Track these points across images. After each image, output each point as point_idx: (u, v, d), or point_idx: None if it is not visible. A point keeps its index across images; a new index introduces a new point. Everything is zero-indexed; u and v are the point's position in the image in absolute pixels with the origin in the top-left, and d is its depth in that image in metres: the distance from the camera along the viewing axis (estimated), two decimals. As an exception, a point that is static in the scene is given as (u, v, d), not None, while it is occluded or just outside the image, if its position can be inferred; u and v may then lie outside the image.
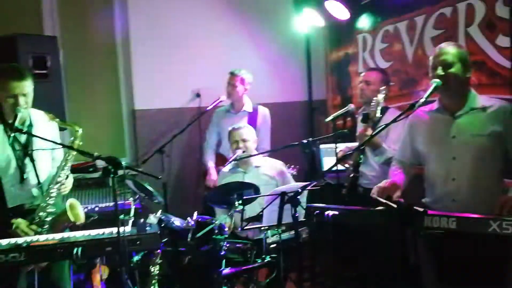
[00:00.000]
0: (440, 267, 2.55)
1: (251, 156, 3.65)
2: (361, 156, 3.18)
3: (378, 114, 3.05)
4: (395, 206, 2.24)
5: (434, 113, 2.65)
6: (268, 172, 3.72)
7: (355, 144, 3.31)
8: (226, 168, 3.84)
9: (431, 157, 2.65)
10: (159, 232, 2.71)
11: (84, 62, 4.84)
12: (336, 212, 2.41)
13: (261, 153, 3.69)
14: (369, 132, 3.05)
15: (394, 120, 2.63)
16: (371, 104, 3.10)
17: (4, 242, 2.62)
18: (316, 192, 3.90)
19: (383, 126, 2.62)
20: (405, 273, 2.32)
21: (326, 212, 2.40)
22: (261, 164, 3.75)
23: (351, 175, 3.26)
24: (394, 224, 2.25)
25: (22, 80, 2.79)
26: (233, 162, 3.67)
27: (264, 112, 4.58)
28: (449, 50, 2.53)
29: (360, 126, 3.31)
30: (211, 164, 4.62)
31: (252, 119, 4.44)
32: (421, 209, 2.23)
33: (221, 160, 4.56)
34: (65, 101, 4.34)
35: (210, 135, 4.72)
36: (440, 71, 2.50)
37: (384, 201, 2.33)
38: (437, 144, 2.61)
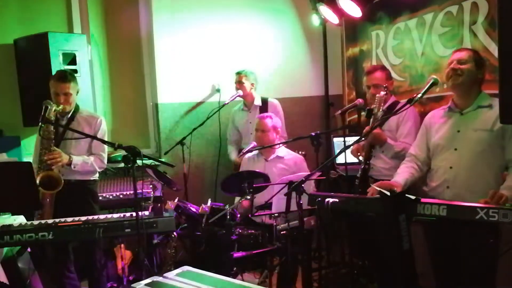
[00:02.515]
0: (433, 252, 2.70)
1: (264, 147, 3.84)
2: (372, 150, 3.33)
3: (381, 110, 3.18)
4: (388, 193, 2.39)
5: (447, 112, 2.83)
6: (289, 162, 3.91)
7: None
8: (249, 155, 4.07)
9: (437, 149, 2.82)
10: (174, 216, 2.94)
11: (111, 58, 5.02)
12: (336, 200, 2.59)
13: (273, 145, 3.86)
14: (376, 129, 3.18)
15: (392, 114, 2.80)
16: (375, 100, 3.22)
17: (35, 222, 2.90)
18: (331, 183, 4.07)
19: (381, 120, 2.78)
20: (399, 257, 2.47)
21: (326, 200, 2.57)
22: (283, 155, 3.95)
23: (362, 167, 3.40)
24: (388, 211, 2.42)
25: (64, 82, 3.41)
26: (257, 149, 3.91)
27: (274, 104, 4.79)
28: (466, 51, 2.73)
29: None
30: (234, 157, 4.86)
31: (263, 112, 4.59)
32: (413, 197, 2.38)
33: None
34: (93, 94, 4.63)
35: (230, 133, 4.99)
36: (454, 65, 2.67)
37: (379, 189, 2.48)
38: (445, 138, 2.78)
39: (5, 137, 4.39)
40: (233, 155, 4.91)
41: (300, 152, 4.19)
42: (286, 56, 5.40)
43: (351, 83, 5.17)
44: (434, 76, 2.77)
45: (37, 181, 3.13)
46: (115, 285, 4.05)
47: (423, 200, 2.41)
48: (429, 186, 2.85)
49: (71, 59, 4.26)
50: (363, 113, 4.94)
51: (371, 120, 3.16)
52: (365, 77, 3.54)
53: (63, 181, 3.29)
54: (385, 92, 3.19)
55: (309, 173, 3.87)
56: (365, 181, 3.11)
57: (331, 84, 5.24)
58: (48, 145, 3.30)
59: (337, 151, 4.51)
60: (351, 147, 3.12)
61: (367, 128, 3.16)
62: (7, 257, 3.04)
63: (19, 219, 3.04)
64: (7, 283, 2.97)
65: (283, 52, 5.39)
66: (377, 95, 3.22)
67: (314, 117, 5.43)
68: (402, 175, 2.90)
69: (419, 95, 2.68)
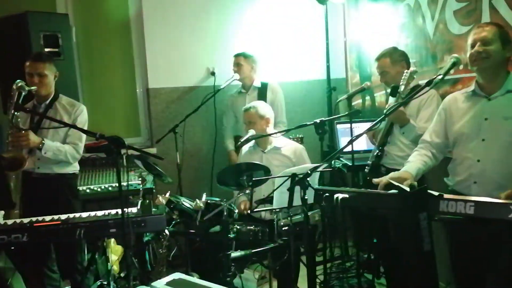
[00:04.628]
0: (455, 254, 2.43)
1: (262, 136, 3.54)
2: (389, 135, 3.07)
3: (407, 88, 2.90)
4: (408, 189, 2.10)
5: (470, 95, 2.54)
6: (288, 153, 3.62)
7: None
8: (246, 147, 3.78)
9: (461, 139, 2.53)
10: (165, 213, 2.67)
11: (97, 40, 4.78)
12: (346, 195, 2.30)
13: (272, 133, 3.56)
14: (400, 108, 2.92)
15: (411, 97, 2.51)
16: (402, 78, 2.96)
17: (10, 222, 2.61)
18: (334, 172, 3.81)
19: (400, 103, 2.49)
20: (419, 259, 2.19)
21: (336, 195, 2.29)
22: (281, 146, 3.66)
23: (375, 153, 3.12)
24: (407, 208, 2.13)
25: (38, 61, 3.19)
26: (252, 141, 3.62)
27: (273, 87, 4.55)
28: (490, 27, 2.42)
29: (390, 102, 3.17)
30: (231, 147, 4.64)
31: (262, 95, 4.42)
32: (436, 193, 2.10)
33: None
34: (78, 80, 4.37)
35: (226, 119, 4.74)
36: (478, 47, 2.38)
37: (397, 184, 2.20)
38: (469, 126, 2.50)
39: (-18, 127, 4.13)
40: (229, 145, 4.67)
41: (298, 136, 3.91)
42: (284, 37, 5.12)
43: (355, 66, 4.88)
44: (456, 55, 2.47)
45: None
46: (105, 283, 3.80)
47: (446, 196, 2.11)
48: (453, 180, 2.56)
49: (53, 41, 3.96)
50: (368, 98, 4.71)
51: (397, 99, 2.92)
52: None
53: (26, 161, 3.04)
54: (414, 68, 2.90)
55: (311, 163, 3.63)
56: (376, 169, 2.82)
57: (333, 67, 4.93)
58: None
59: (340, 138, 4.26)
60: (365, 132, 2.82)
61: (390, 103, 2.88)
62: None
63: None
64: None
65: (281, 33, 5.10)
66: (405, 71, 2.94)
67: (315, 102, 5.15)
68: (414, 164, 2.62)
69: (440, 77, 2.38)
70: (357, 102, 4.90)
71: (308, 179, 2.45)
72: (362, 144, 4.09)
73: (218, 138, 4.87)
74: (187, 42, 4.79)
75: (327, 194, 2.37)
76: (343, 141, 4.25)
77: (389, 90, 3.22)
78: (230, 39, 4.89)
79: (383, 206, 2.26)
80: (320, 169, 2.56)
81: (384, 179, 2.39)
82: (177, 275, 2.18)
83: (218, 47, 4.87)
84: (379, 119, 2.55)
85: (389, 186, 2.33)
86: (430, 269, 2.23)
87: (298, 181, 2.46)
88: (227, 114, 4.74)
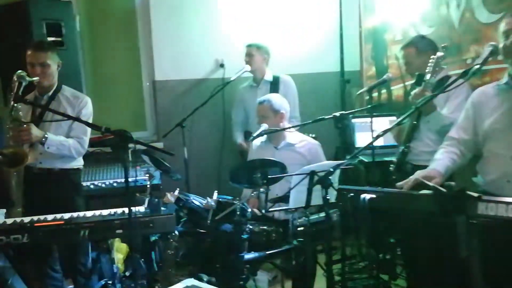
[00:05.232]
0: (490, 261, 2.23)
1: (276, 131, 3.35)
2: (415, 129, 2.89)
3: (435, 76, 2.72)
4: (444, 190, 1.92)
5: (503, 88, 2.36)
6: (302, 151, 3.44)
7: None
8: (257, 142, 3.60)
9: (493, 134, 2.35)
10: (174, 213, 2.51)
11: (102, 29, 4.69)
12: (373, 196, 2.12)
13: (286, 128, 3.37)
14: (427, 93, 2.72)
15: (443, 90, 2.32)
16: (428, 64, 2.76)
17: (9, 221, 2.45)
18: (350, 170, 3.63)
19: (433, 94, 2.30)
20: (454, 267, 2.01)
21: (362, 195, 2.11)
22: (295, 142, 3.47)
23: (401, 149, 2.93)
24: (443, 210, 1.94)
25: (41, 50, 3.03)
26: (265, 136, 3.45)
27: (285, 80, 4.38)
28: None
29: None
30: (240, 141, 4.50)
31: (274, 89, 4.25)
32: (475, 194, 1.91)
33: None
34: (82, 71, 4.28)
35: (236, 113, 4.58)
36: None
37: (431, 184, 2.01)
38: (502, 121, 2.33)
39: (-17, 120, 4.03)
40: (238, 137, 4.51)
41: (309, 135, 3.73)
42: (296, 27, 4.94)
43: (370, 58, 4.69)
44: (493, 43, 2.28)
45: None
46: (110, 282, 3.67)
47: (485, 197, 1.93)
48: (483, 179, 2.37)
49: (56, 29, 3.86)
50: (384, 91, 4.52)
51: (423, 87, 2.73)
52: None
53: (28, 157, 2.87)
54: (442, 53, 2.71)
55: (327, 161, 3.45)
56: (402, 167, 2.64)
57: (347, 59, 4.75)
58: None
59: (357, 133, 4.08)
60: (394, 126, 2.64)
61: (417, 91, 2.70)
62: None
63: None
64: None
65: (294, 23, 4.92)
66: (431, 56, 2.74)
67: (328, 95, 4.96)
68: (443, 161, 2.43)
69: (477, 66, 2.19)
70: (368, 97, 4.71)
71: (330, 177, 2.27)
72: (379, 140, 3.89)
73: (227, 133, 4.72)
74: (195, 32, 4.67)
75: (351, 194, 2.20)
76: (359, 136, 4.07)
77: (409, 83, 3.02)
78: (240, 29, 4.74)
79: (415, 208, 2.07)
80: (343, 166, 2.38)
81: (412, 178, 2.21)
82: (189, 281, 2.01)
83: (228, 38, 4.72)
84: (410, 111, 2.36)
85: (418, 185, 2.15)
86: (465, 278, 2.04)
87: (320, 179, 2.27)
88: (236, 108, 4.58)
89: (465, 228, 1.93)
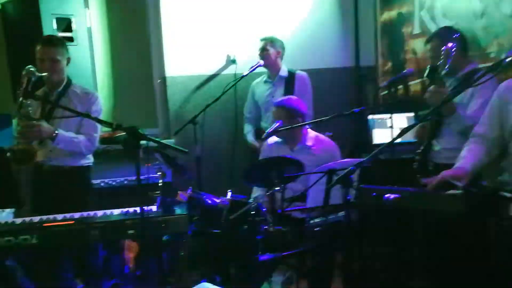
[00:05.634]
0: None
1: (291, 127, 3.24)
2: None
3: (445, 68, 2.57)
4: (475, 190, 1.81)
5: None
6: (318, 153, 3.31)
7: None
8: (272, 140, 3.48)
9: None
10: (187, 213, 2.42)
11: (112, 24, 4.62)
12: (398, 195, 2.02)
13: (301, 124, 3.26)
14: (443, 90, 2.59)
15: (468, 85, 2.20)
16: (440, 56, 2.62)
17: (18, 220, 2.38)
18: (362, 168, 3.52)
19: (457, 90, 2.18)
20: (485, 272, 1.90)
21: (386, 195, 2.00)
22: (312, 144, 3.35)
23: (422, 146, 2.81)
24: (473, 211, 1.84)
25: (50, 45, 2.98)
26: (279, 136, 3.35)
27: (301, 76, 4.26)
28: None
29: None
30: (252, 139, 4.38)
31: (289, 85, 4.14)
32: (509, 195, 1.80)
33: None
34: (92, 67, 4.18)
35: (248, 109, 4.47)
36: None
37: (460, 184, 1.90)
38: None
39: (-7, 116, 4.02)
40: (250, 136, 4.40)
41: (325, 134, 3.62)
42: (310, 21, 4.82)
43: (386, 53, 4.57)
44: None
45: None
46: (120, 281, 3.61)
47: (518, 197, 1.82)
48: (511, 176, 2.25)
49: (66, 25, 3.83)
50: (400, 87, 4.39)
51: (436, 86, 2.60)
52: None
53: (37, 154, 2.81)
54: (453, 44, 2.57)
55: (346, 159, 3.34)
56: (425, 165, 2.52)
57: (362, 53, 4.63)
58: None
59: (374, 129, 3.96)
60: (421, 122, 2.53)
61: (432, 89, 2.56)
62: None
63: (3, 216, 2.54)
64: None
65: (307, 17, 4.81)
66: (443, 47, 2.61)
67: (343, 91, 4.84)
68: (469, 159, 2.30)
69: (508, 59, 2.06)
70: (386, 92, 4.58)
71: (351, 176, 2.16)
72: (389, 137, 3.78)
73: (239, 130, 4.62)
74: (206, 27, 4.56)
75: (374, 194, 2.09)
76: (376, 133, 3.95)
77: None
78: (252, 23, 4.63)
79: (442, 209, 1.96)
80: (365, 164, 2.27)
81: (438, 178, 2.10)
82: (204, 286, 1.92)
83: (240, 32, 4.62)
84: (429, 112, 2.24)
85: (443, 185, 2.04)
86: (496, 283, 1.93)
87: (340, 178, 2.17)
88: (249, 104, 4.47)
89: (496, 231, 1.83)
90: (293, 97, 3.59)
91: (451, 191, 1.94)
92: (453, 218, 2.00)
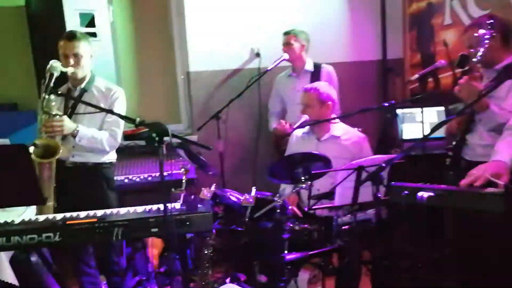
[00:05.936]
0: None
1: (319, 122, 3.16)
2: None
3: (479, 55, 2.39)
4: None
5: None
6: (347, 144, 3.23)
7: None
8: (299, 132, 3.42)
9: None
10: (212, 211, 2.36)
11: (136, 20, 4.61)
12: (432, 193, 1.92)
13: (330, 119, 3.17)
14: (475, 84, 2.45)
15: (509, 77, 2.07)
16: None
17: (41, 218, 2.36)
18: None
19: (495, 84, 2.05)
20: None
21: (420, 194, 1.90)
22: (340, 134, 3.27)
23: (454, 142, 2.66)
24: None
25: (73, 40, 2.96)
26: (307, 127, 3.29)
27: (327, 70, 4.16)
28: None
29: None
30: (275, 126, 4.23)
31: (315, 79, 4.02)
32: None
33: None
34: (115, 62, 4.17)
35: (273, 104, 4.40)
36: None
37: (500, 182, 1.79)
38: None
39: (19, 112, 4.09)
40: (273, 124, 4.29)
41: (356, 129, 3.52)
42: (336, 13, 4.72)
43: (415, 45, 4.44)
44: None
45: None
46: (144, 278, 3.60)
47: None
48: None
49: (90, 20, 3.83)
50: (430, 79, 4.24)
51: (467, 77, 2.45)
52: None
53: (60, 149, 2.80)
54: (492, 31, 2.40)
55: (373, 155, 3.24)
56: (457, 163, 2.40)
57: (389, 46, 4.51)
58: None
59: (401, 124, 3.84)
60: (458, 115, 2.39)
61: (463, 81, 2.43)
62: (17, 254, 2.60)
63: (26, 213, 2.52)
64: (17, 284, 2.53)
65: (333, 8, 4.71)
66: (474, 34, 2.45)
67: (369, 85, 4.74)
68: (507, 151, 2.17)
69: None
70: (415, 85, 4.45)
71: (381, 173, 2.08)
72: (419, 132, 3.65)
73: (263, 126, 4.56)
74: (230, 20, 4.50)
75: (406, 192, 2.00)
76: (404, 128, 3.83)
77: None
78: (277, 16, 4.55)
79: (480, 208, 1.85)
80: (396, 160, 2.18)
81: (481, 177, 1.96)
82: (229, 287, 1.86)
83: (264, 26, 4.54)
84: (473, 101, 2.13)
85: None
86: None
87: (370, 176, 2.08)
88: (273, 99, 4.39)
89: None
90: (322, 82, 3.52)
91: (489, 189, 1.83)
92: (491, 218, 1.89)
